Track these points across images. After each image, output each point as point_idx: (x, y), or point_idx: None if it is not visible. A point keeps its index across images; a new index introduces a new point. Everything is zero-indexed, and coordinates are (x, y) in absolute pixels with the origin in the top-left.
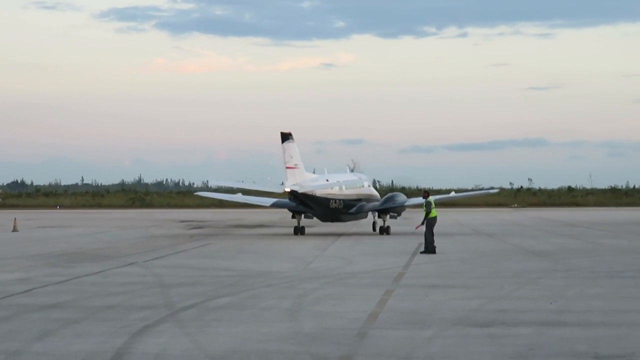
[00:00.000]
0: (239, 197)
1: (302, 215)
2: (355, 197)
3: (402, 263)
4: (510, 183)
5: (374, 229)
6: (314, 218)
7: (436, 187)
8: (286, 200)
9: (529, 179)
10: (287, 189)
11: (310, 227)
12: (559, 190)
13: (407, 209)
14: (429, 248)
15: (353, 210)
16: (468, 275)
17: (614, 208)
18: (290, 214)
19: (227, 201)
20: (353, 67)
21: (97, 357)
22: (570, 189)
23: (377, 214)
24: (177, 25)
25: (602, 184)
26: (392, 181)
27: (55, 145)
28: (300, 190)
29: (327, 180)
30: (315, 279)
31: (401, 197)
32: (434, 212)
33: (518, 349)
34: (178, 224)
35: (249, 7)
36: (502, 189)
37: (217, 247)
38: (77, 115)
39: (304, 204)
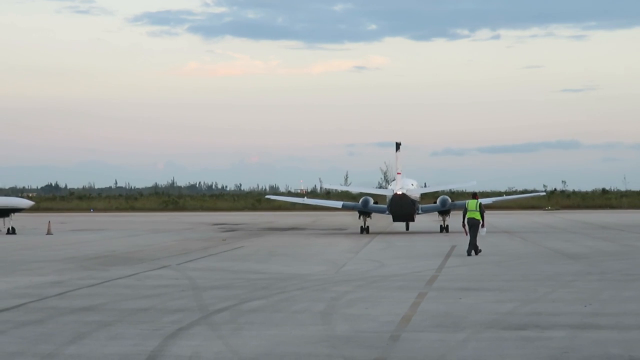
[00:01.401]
0: (307, 200)
1: (369, 216)
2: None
3: (435, 266)
4: (544, 185)
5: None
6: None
7: (469, 190)
8: (353, 202)
9: (562, 181)
10: (399, 192)
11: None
12: (593, 192)
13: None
14: (470, 249)
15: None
16: (502, 278)
17: None
18: (357, 214)
19: (293, 204)
20: (385, 70)
21: None
22: (604, 191)
23: (437, 214)
24: (210, 28)
25: (637, 186)
26: (425, 184)
27: (89, 149)
28: (406, 193)
29: (412, 185)
30: (348, 282)
31: (449, 200)
32: (470, 214)
33: (552, 352)
34: (211, 227)
35: (281, 10)
36: (535, 192)
37: (250, 250)
38: (111, 119)
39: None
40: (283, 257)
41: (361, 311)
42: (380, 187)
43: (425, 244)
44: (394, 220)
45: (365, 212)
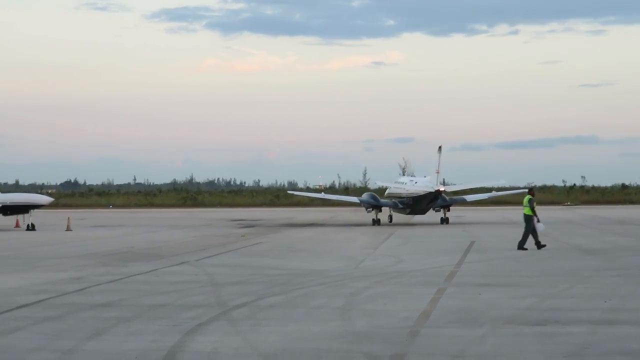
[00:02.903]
0: (324, 195)
1: (380, 210)
2: None
3: (454, 261)
4: (563, 181)
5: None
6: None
7: (487, 185)
8: (366, 198)
9: (582, 176)
10: (441, 189)
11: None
12: (612, 187)
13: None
14: (526, 244)
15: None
16: (520, 274)
17: None
18: (370, 208)
19: (312, 200)
20: (403, 66)
21: (150, 356)
22: (623, 186)
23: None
24: (228, 25)
25: None
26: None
27: (108, 146)
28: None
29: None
30: (366, 278)
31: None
32: (527, 209)
33: (571, 348)
34: (229, 222)
35: (299, 6)
36: (554, 187)
37: (268, 246)
38: (129, 116)
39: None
40: (302, 253)
41: (380, 307)
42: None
43: (444, 239)
44: (412, 213)
45: (376, 206)
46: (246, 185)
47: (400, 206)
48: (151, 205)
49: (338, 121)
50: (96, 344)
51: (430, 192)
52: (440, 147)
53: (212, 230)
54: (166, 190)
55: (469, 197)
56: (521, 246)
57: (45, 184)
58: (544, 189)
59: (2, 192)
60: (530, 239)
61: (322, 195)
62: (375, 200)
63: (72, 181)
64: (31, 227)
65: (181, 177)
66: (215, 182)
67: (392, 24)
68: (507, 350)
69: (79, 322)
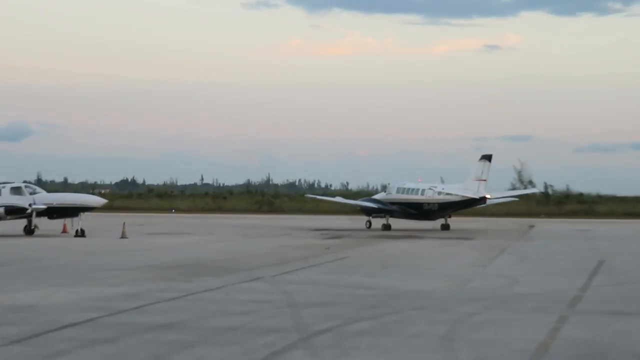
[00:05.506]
0: (339, 199)
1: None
2: None
3: (579, 284)
4: None
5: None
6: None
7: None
8: (372, 204)
9: None
10: (488, 196)
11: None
12: None
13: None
14: None
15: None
16: None
17: None
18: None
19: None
20: (521, 50)
21: None
22: None
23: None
24: (315, 0)
25: None
26: (568, 186)
27: (172, 139)
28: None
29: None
30: (474, 301)
31: None
32: None
33: None
34: (312, 232)
35: None
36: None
37: (358, 261)
38: (198, 104)
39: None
40: (396, 270)
41: (489, 336)
42: (514, 188)
43: (567, 257)
44: (429, 219)
45: (384, 211)
46: (332, 188)
47: (413, 212)
48: (220, 210)
49: (443, 114)
50: None
51: (474, 199)
52: (485, 156)
53: (292, 241)
54: (238, 193)
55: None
56: None
57: (98, 182)
58: None
59: (48, 192)
60: None
61: (337, 199)
62: (382, 204)
63: (129, 180)
64: (80, 233)
65: (256, 178)
66: (297, 184)
67: (508, 1)
68: None
69: (135, 346)
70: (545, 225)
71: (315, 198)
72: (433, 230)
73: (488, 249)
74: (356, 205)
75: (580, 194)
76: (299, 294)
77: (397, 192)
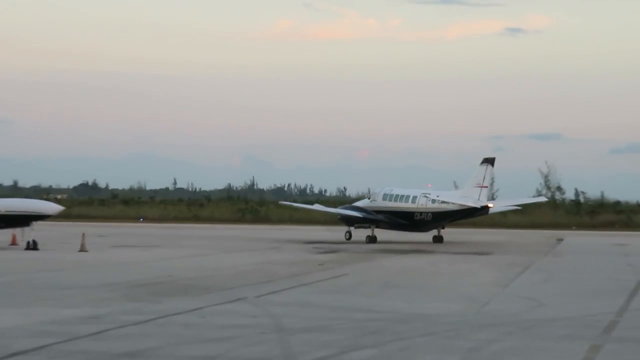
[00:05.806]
0: (317, 207)
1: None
2: None
3: (615, 307)
4: None
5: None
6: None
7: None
8: (355, 212)
9: None
10: (491, 205)
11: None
12: None
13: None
14: None
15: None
16: None
17: None
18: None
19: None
20: (547, 34)
21: None
22: None
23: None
24: None
25: None
26: (602, 193)
27: (140, 137)
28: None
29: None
30: (492, 327)
31: None
32: None
33: None
34: (304, 246)
35: None
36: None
37: (356, 279)
38: (168, 98)
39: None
40: (402, 290)
41: None
42: (540, 194)
43: (601, 276)
44: (421, 230)
45: (369, 221)
46: (328, 194)
47: (403, 222)
48: (197, 219)
49: (455, 109)
50: None
51: (475, 208)
52: (487, 159)
53: (280, 256)
54: (217, 199)
55: None
56: None
57: (53, 186)
58: None
59: None
60: None
61: (315, 207)
62: (367, 213)
63: (90, 184)
64: (32, 246)
65: (238, 182)
66: (285, 189)
67: None
68: None
69: None
70: (576, 239)
71: (292, 205)
72: (445, 244)
73: (508, 266)
74: (336, 214)
75: (617, 202)
76: (287, 318)
77: (384, 198)
